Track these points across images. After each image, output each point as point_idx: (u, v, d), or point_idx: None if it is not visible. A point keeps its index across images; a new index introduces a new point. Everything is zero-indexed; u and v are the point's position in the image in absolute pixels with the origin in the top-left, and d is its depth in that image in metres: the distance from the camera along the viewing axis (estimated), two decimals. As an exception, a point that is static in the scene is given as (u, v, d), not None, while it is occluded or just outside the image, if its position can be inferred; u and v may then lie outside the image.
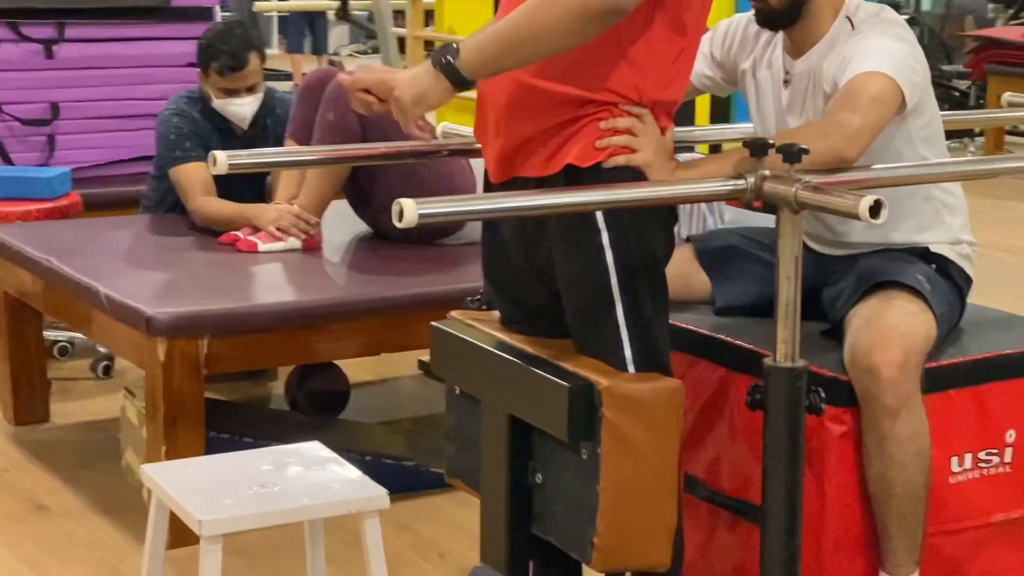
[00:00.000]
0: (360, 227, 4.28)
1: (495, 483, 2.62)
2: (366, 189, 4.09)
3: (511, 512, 2.60)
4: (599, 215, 2.44)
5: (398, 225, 2.08)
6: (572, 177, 2.46)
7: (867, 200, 2.13)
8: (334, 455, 2.48)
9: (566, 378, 2.43)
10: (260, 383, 4.66)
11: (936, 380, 2.68)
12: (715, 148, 4.69)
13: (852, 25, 2.79)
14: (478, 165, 4.07)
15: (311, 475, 2.39)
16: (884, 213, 2.14)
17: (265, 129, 4.33)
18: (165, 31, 5.30)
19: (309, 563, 2.51)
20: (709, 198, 2.76)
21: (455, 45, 2.34)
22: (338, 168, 4.00)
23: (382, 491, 2.32)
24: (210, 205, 4.16)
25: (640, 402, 2.42)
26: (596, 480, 2.41)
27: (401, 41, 7.52)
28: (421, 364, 4.82)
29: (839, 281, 2.89)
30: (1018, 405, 2.79)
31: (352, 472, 2.40)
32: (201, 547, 2.20)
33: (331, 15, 10.34)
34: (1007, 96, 3.71)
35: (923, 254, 2.87)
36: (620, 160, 2.45)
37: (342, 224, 4.26)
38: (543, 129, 2.46)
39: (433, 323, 2.77)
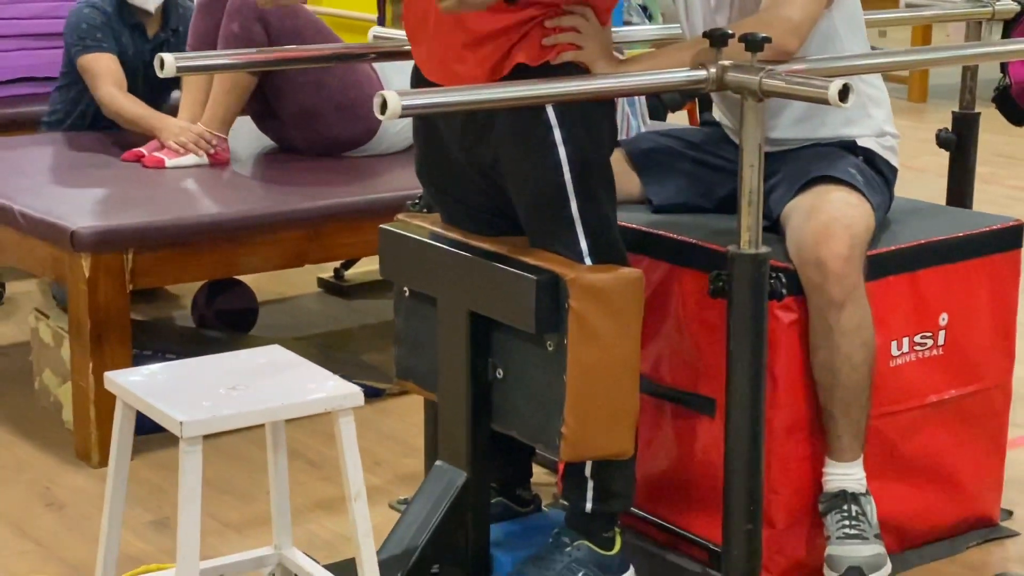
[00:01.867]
0: (264, 141, 4.23)
1: (454, 381, 2.64)
2: (272, 102, 4.04)
3: (472, 408, 2.62)
4: (551, 112, 2.47)
5: (381, 117, 2.07)
6: (520, 77, 2.48)
7: (836, 84, 2.18)
8: (298, 358, 2.47)
9: (530, 271, 2.46)
10: (156, 303, 4.59)
11: (875, 267, 2.76)
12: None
13: None
14: (384, 72, 4.06)
15: (281, 377, 2.38)
16: (852, 97, 2.19)
17: (176, 33, 4.27)
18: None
19: (272, 463, 2.50)
20: (668, 88, 2.79)
21: None
22: (244, 82, 3.95)
23: (356, 389, 2.31)
24: (119, 98, 4.10)
25: (604, 291, 2.46)
26: (563, 371, 2.45)
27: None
28: (320, 281, 4.83)
29: (769, 177, 2.94)
30: (950, 289, 2.89)
31: (320, 372, 2.39)
32: (181, 448, 2.18)
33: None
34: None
35: (851, 147, 2.94)
36: (568, 56, 2.49)
37: (246, 139, 4.20)
38: (489, 30, 2.47)
39: (382, 225, 2.76)
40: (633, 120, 3.69)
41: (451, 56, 2.53)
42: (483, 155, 2.59)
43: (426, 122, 2.70)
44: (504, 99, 2.31)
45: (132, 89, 4.17)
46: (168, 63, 2.55)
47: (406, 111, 2.08)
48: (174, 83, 4.32)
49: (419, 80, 2.65)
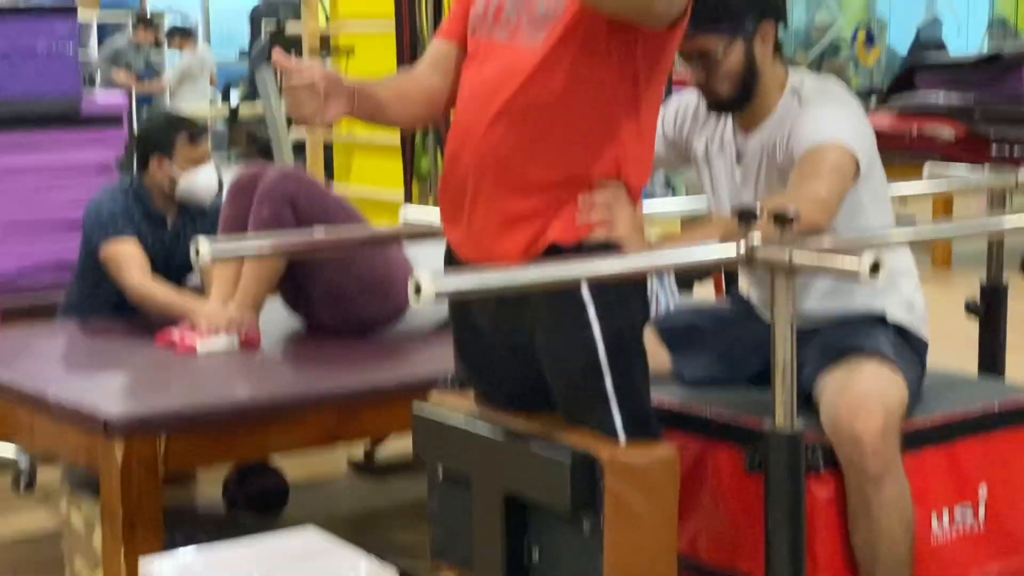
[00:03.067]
0: (294, 321, 4.25)
1: (490, 563, 2.61)
2: (302, 283, 4.07)
3: (509, 591, 2.59)
4: (584, 290, 2.49)
5: (415, 302, 2.08)
6: (555, 256, 2.50)
7: (867, 260, 2.20)
8: (330, 540, 2.45)
9: (564, 452, 2.45)
10: (183, 486, 4.57)
11: (911, 441, 2.74)
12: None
13: (800, 99, 2.88)
14: (412, 251, 4.11)
15: (314, 561, 2.36)
16: (883, 272, 2.21)
17: (194, 221, 4.32)
18: (75, 139, 5.25)
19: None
20: (699, 266, 2.81)
21: None
22: (274, 264, 3.99)
23: (390, 571, 2.29)
24: (148, 285, 4.13)
25: (640, 471, 2.45)
26: (599, 553, 2.42)
27: (298, 148, 7.54)
28: (351, 462, 4.82)
29: (800, 351, 2.94)
30: (988, 460, 2.86)
31: (353, 554, 2.37)
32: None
33: (220, 122, 10.40)
34: (928, 167, 3.82)
35: (881, 320, 2.95)
36: (600, 235, 2.52)
37: (276, 320, 4.23)
38: (525, 211, 2.50)
39: (415, 404, 2.76)
40: (662, 295, 3.72)
41: (487, 236, 2.55)
42: (518, 333, 2.60)
43: (461, 304, 2.72)
44: (539, 281, 2.33)
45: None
46: (204, 251, 2.58)
47: (440, 295, 2.10)
48: (191, 269, 4.36)
49: (452, 259, 2.68)
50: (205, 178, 4.28)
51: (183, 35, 12.17)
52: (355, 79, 2.62)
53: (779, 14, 2.90)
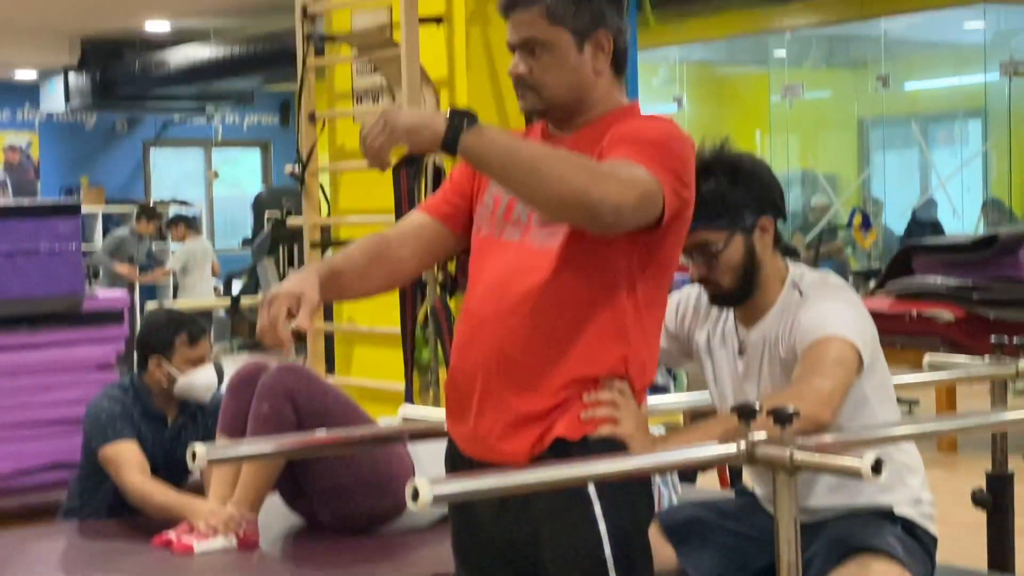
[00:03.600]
0: (293, 518, 4.20)
1: None
2: (301, 480, 4.04)
3: None
4: (591, 487, 2.48)
5: (412, 507, 2.06)
6: (560, 451, 2.49)
7: (869, 458, 2.18)
8: None
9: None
10: None
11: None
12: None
13: (800, 292, 2.90)
14: (413, 447, 4.08)
15: None
16: (885, 470, 2.18)
17: (195, 418, 4.32)
18: (76, 336, 5.25)
19: None
20: (700, 464, 2.78)
21: (474, 118, 2.35)
22: (273, 463, 3.96)
23: None
24: (147, 485, 4.10)
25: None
26: None
27: (299, 338, 7.56)
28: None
29: (806, 547, 2.90)
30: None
31: None
32: None
33: (222, 311, 10.48)
34: (928, 359, 3.82)
35: (888, 515, 2.91)
36: (605, 431, 2.50)
37: (275, 516, 4.17)
38: (533, 411, 2.50)
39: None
40: (664, 489, 3.69)
41: (494, 436, 2.54)
42: (521, 532, 2.57)
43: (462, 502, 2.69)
44: (541, 482, 2.31)
45: (152, 475, 4.19)
46: (200, 454, 2.56)
47: (438, 499, 2.08)
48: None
49: (455, 454, 2.65)
50: (204, 377, 4.29)
51: (186, 224, 12.33)
52: (319, 266, 2.61)
53: (777, 209, 2.93)
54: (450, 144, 2.32)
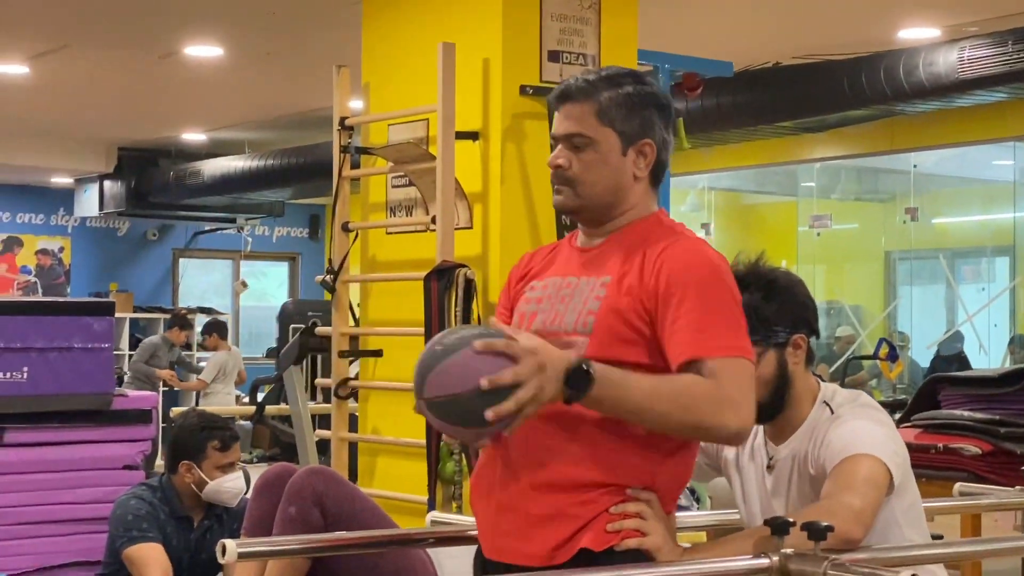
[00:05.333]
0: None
1: None
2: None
3: None
4: None
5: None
6: (585, 562, 2.48)
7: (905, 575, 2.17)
8: None
9: None
10: None
11: None
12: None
13: (831, 410, 2.90)
14: (437, 556, 4.06)
15: None
16: (921, 588, 2.17)
17: (221, 521, 4.33)
18: (104, 434, 5.26)
19: None
20: (731, 577, 2.77)
21: (590, 378, 2.37)
22: (298, 564, 3.95)
23: None
24: None
25: None
26: None
27: (322, 444, 7.56)
28: None
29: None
30: None
31: None
32: None
33: (242, 419, 10.51)
34: (958, 487, 3.81)
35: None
36: (632, 543, 2.49)
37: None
38: (554, 510, 2.49)
39: None
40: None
41: (515, 534, 2.53)
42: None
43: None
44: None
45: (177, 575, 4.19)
46: (230, 549, 2.57)
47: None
48: (218, 567, 4.34)
49: (482, 561, 2.64)
50: (233, 483, 4.32)
51: (219, 334, 12.41)
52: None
53: (811, 327, 2.95)
54: (572, 398, 2.38)
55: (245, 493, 4.38)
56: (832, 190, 14.37)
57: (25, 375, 5.10)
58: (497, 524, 2.57)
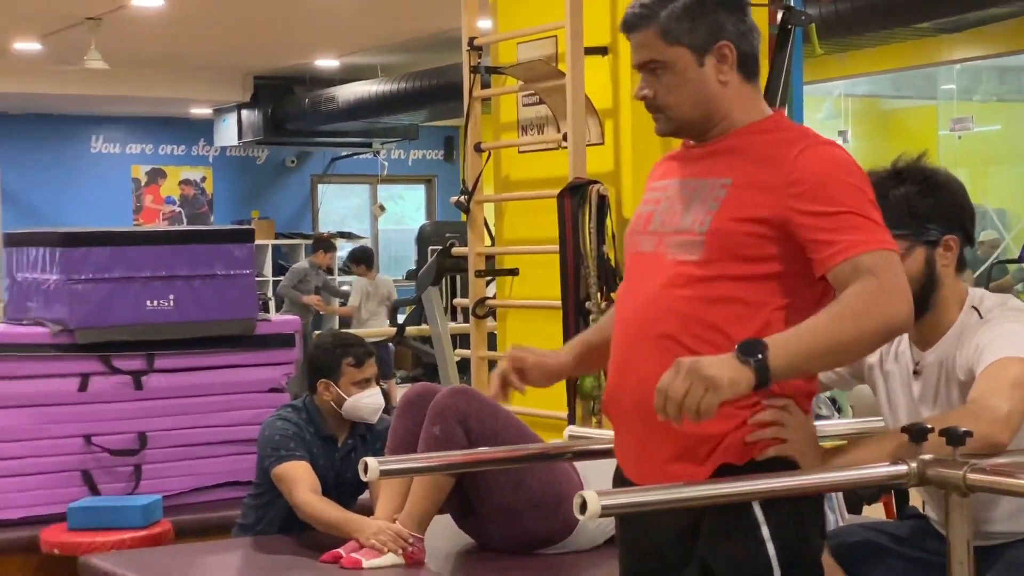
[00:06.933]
0: (460, 539, 4.25)
1: None
2: (472, 499, 4.09)
3: None
4: (757, 508, 2.44)
5: (580, 517, 2.08)
6: (725, 475, 2.47)
7: (1046, 481, 2.14)
8: None
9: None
10: None
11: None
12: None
13: (980, 314, 2.83)
14: (583, 468, 4.09)
15: None
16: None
17: (364, 440, 4.42)
18: (249, 359, 5.40)
19: None
20: (868, 483, 2.76)
21: (761, 343, 2.35)
22: (442, 482, 4.01)
23: None
24: (316, 503, 4.22)
25: None
26: None
27: (462, 363, 7.65)
28: None
29: (982, 572, 2.84)
30: None
31: None
32: None
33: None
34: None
35: (1068, 542, 2.83)
36: (772, 452, 2.48)
37: (442, 537, 4.23)
38: (695, 436, 2.47)
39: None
40: (831, 515, 3.65)
41: (659, 461, 2.52)
42: (687, 554, 2.55)
43: (628, 520, 2.69)
44: (707, 497, 2.31)
45: (323, 494, 4.29)
46: (372, 467, 2.62)
47: (606, 511, 2.10)
48: (363, 486, 4.44)
49: (621, 478, 2.65)
50: (370, 399, 4.39)
51: (366, 264, 12.55)
52: (574, 344, 2.85)
53: (966, 231, 2.88)
54: (764, 382, 2.34)
55: (385, 412, 4.45)
56: (973, 92, 14.00)
57: (172, 303, 5.24)
58: (639, 453, 2.56)
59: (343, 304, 12.89)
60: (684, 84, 2.54)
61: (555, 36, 5.60)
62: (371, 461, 2.65)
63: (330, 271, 14.48)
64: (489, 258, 6.13)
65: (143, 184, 16.75)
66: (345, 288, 13.70)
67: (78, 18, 10.71)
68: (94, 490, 5.05)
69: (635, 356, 2.53)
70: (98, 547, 4.45)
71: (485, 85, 6.09)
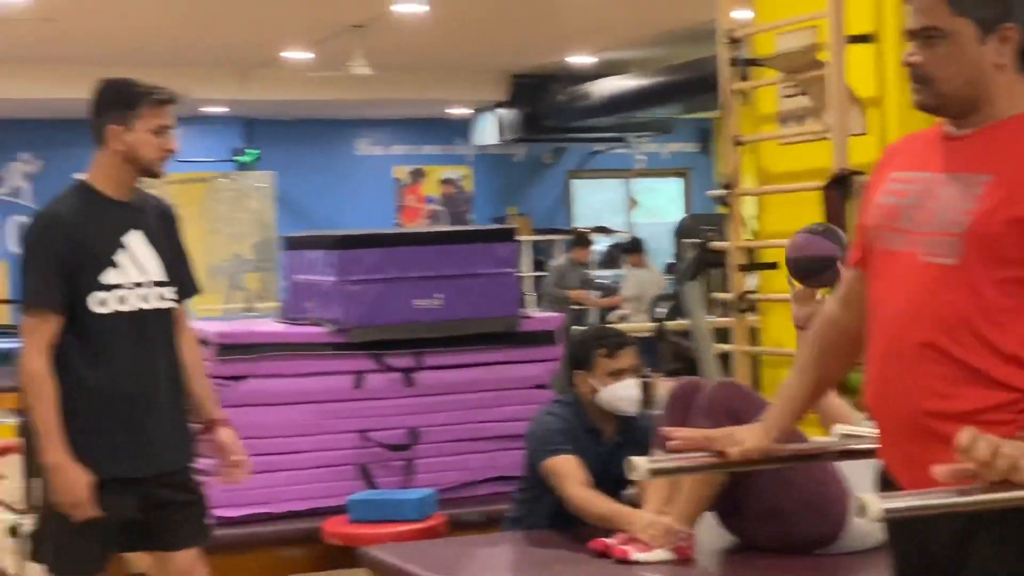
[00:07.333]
0: (728, 536, 4.25)
1: None
2: (739, 499, 4.08)
3: None
4: None
5: (861, 520, 2.06)
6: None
7: None
8: None
9: None
10: None
11: None
12: None
13: None
14: (841, 467, 4.04)
15: None
16: None
17: (631, 435, 4.46)
18: (513, 355, 5.51)
19: None
20: None
21: None
22: (714, 478, 4.01)
23: None
24: (587, 496, 4.28)
25: None
26: None
27: (723, 360, 7.62)
28: None
29: None
30: None
31: None
32: None
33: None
34: None
35: None
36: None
37: (707, 534, 4.24)
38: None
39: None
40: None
41: (922, 464, 2.45)
42: (962, 562, 2.47)
43: (899, 524, 2.62)
44: (991, 502, 2.24)
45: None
46: (640, 467, 2.64)
47: (888, 514, 2.07)
48: (627, 482, 4.48)
49: (885, 480, 2.59)
50: (624, 390, 4.41)
51: (638, 250, 12.61)
52: (768, 419, 2.78)
53: None
54: None
55: (645, 407, 4.48)
56: None
57: (439, 302, 5.38)
58: (910, 453, 2.46)
59: (603, 297, 12.99)
60: (960, 59, 2.41)
61: (816, 26, 5.53)
62: (639, 460, 2.66)
63: (586, 266, 14.58)
64: (749, 251, 6.10)
65: (405, 184, 17.17)
66: (601, 282, 13.78)
67: (344, 26, 11.06)
68: (371, 484, 5.23)
69: (897, 365, 2.44)
70: (377, 539, 4.61)
71: (743, 77, 6.07)
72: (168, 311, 3.90)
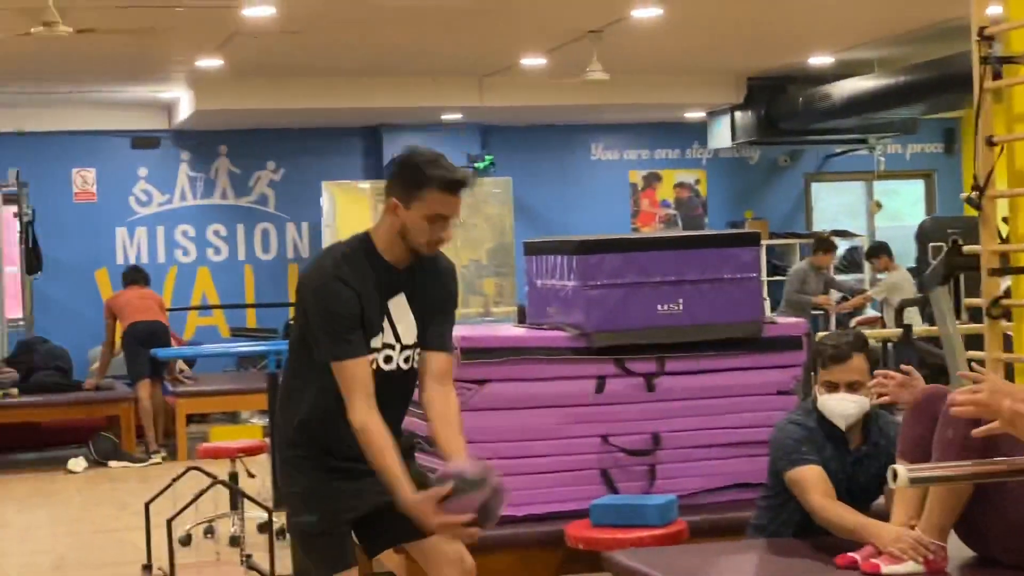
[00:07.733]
0: (972, 551, 4.11)
1: None
2: (983, 513, 3.93)
3: None
4: None
5: None
6: None
7: None
8: None
9: None
10: None
11: None
12: None
13: None
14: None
15: None
16: None
17: (877, 447, 4.36)
18: (756, 361, 5.45)
19: None
20: None
21: None
22: (962, 490, 3.89)
23: None
24: (832, 507, 4.22)
25: None
26: None
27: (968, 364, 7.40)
28: None
29: None
30: None
31: None
32: None
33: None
34: None
35: None
36: None
37: (959, 547, 4.10)
38: None
39: None
40: None
41: None
42: None
43: None
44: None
45: (836, 498, 4.26)
46: (901, 475, 2.60)
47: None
48: (877, 491, 4.38)
49: None
50: (835, 403, 4.33)
51: (887, 254, 12.37)
52: None
53: None
54: None
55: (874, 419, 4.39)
56: None
57: (680, 307, 5.36)
58: None
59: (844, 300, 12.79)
60: None
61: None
62: (900, 469, 2.62)
63: (827, 270, 14.33)
64: (1002, 255, 5.90)
65: (640, 188, 17.15)
66: (848, 285, 13.51)
67: (581, 32, 11.10)
68: (612, 488, 5.23)
69: None
70: (619, 543, 4.61)
71: (996, 76, 5.87)
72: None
